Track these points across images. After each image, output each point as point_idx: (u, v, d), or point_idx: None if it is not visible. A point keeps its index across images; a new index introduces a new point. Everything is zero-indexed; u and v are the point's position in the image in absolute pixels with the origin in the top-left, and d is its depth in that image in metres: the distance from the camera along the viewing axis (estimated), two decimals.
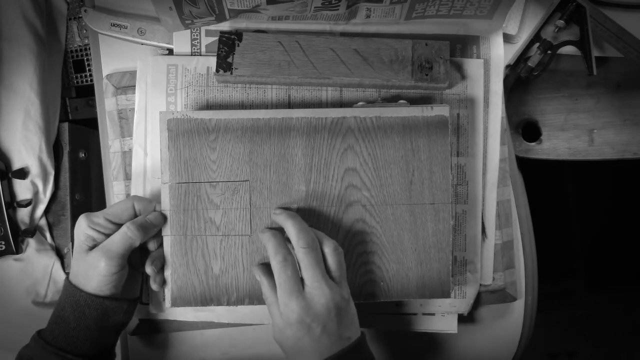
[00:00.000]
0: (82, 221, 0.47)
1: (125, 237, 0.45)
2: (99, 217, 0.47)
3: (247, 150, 0.48)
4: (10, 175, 0.55)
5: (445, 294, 0.50)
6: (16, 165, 0.56)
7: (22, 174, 0.56)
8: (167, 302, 0.49)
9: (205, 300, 0.48)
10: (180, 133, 0.48)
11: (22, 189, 0.57)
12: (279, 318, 0.44)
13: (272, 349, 0.56)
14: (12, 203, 0.56)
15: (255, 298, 0.49)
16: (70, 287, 0.46)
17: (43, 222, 0.59)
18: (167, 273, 0.48)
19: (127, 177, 0.56)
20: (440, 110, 0.49)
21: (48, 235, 0.59)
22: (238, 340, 0.57)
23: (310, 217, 0.48)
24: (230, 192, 0.48)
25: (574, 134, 0.64)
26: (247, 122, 0.48)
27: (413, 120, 0.49)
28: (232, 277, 0.48)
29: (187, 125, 0.48)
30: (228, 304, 0.48)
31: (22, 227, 0.57)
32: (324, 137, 0.49)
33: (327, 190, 0.49)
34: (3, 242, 0.55)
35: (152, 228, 0.47)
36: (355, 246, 0.49)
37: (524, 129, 0.64)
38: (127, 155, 0.56)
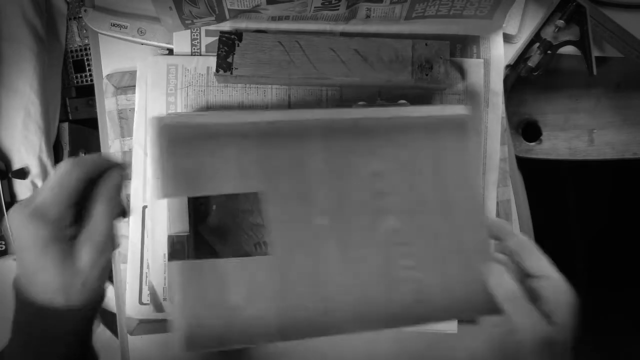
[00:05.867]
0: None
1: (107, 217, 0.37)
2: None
3: (257, 157, 0.40)
4: (10, 175, 0.55)
5: (496, 310, 0.40)
6: (16, 165, 0.56)
7: (22, 174, 0.56)
8: (180, 348, 0.37)
9: (226, 340, 0.37)
10: (178, 140, 0.39)
11: (22, 189, 0.57)
12: None
13: (273, 348, 0.56)
14: (12, 203, 0.56)
15: (289, 333, 0.38)
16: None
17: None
18: (176, 312, 0.37)
19: (127, 177, 0.56)
20: (459, 109, 0.45)
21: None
22: None
23: (340, 230, 0.41)
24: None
25: (574, 134, 0.64)
26: (252, 125, 0.41)
27: (434, 120, 0.44)
28: (259, 310, 0.38)
29: (185, 131, 0.39)
30: (256, 344, 0.38)
31: None
32: (344, 139, 0.42)
33: (353, 198, 0.41)
34: (3, 242, 0.55)
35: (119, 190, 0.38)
36: (393, 260, 0.41)
37: (524, 129, 0.64)
38: (127, 155, 0.56)
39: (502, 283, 0.40)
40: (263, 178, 0.40)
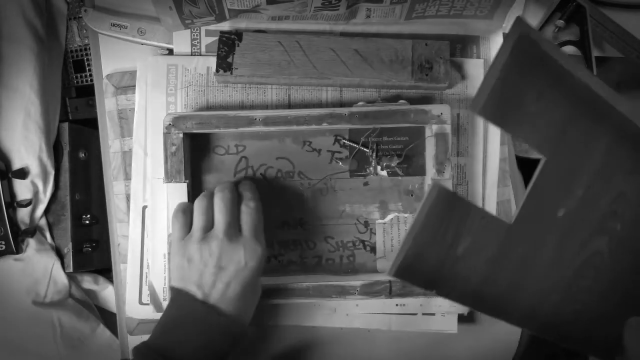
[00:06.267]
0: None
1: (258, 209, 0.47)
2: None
3: (564, 119, 0.37)
4: (10, 175, 0.55)
5: (610, 357, 0.42)
6: (16, 165, 0.56)
7: (22, 174, 0.56)
8: (391, 270, 0.35)
9: (431, 282, 0.36)
10: (521, 60, 0.34)
11: (22, 189, 0.57)
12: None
13: (271, 348, 0.56)
14: (12, 203, 0.56)
15: (477, 302, 0.38)
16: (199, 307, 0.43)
17: (43, 222, 0.59)
18: (412, 233, 0.35)
19: (127, 177, 0.56)
20: None
21: (48, 235, 0.59)
22: None
23: (567, 230, 0.39)
24: None
25: None
26: (580, 85, 0.36)
27: None
28: (470, 267, 0.37)
29: (533, 52, 0.34)
30: (446, 297, 0.38)
31: (22, 227, 0.57)
32: (626, 147, 0.39)
33: (595, 206, 0.40)
34: (3, 242, 0.55)
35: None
36: (580, 279, 0.40)
37: None
38: (127, 155, 0.56)
39: (638, 340, 0.41)
40: (559, 142, 0.37)
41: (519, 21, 0.33)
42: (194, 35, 0.55)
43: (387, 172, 0.54)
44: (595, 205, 0.39)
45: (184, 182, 0.50)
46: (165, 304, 0.53)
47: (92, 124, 0.62)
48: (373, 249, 0.54)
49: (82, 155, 0.62)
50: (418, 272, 0.36)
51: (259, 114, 0.50)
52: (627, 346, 0.41)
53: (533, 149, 0.37)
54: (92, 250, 0.61)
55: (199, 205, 0.47)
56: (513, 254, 0.38)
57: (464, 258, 0.36)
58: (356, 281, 0.51)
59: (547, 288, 0.40)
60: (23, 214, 0.57)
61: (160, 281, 0.53)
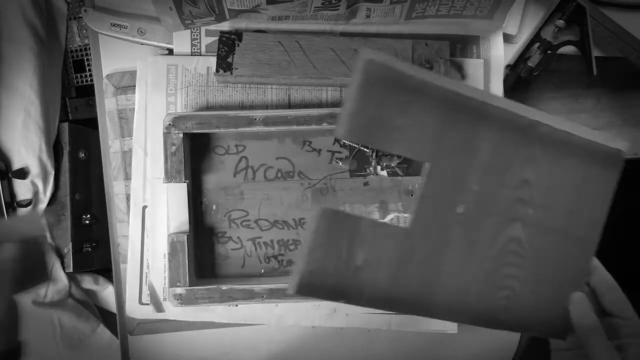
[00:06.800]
0: None
1: None
2: None
3: (437, 126, 0.39)
4: (10, 175, 0.55)
5: (563, 336, 0.44)
6: (16, 165, 0.56)
7: (22, 174, 0.56)
8: (291, 288, 0.38)
9: (336, 293, 0.38)
10: (376, 82, 0.37)
11: (22, 189, 0.57)
12: None
13: (272, 348, 0.56)
14: (12, 203, 0.56)
15: (390, 304, 0.40)
16: None
17: (43, 222, 0.59)
18: (304, 253, 0.38)
19: (127, 177, 0.56)
20: (621, 145, 0.44)
21: (48, 235, 0.59)
22: (238, 340, 0.57)
23: (472, 224, 0.41)
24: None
25: None
26: (447, 93, 0.39)
27: (594, 146, 0.43)
28: (373, 273, 0.39)
29: (386, 74, 0.37)
30: (357, 304, 0.39)
31: None
32: (514, 137, 0.41)
33: (497, 197, 0.41)
34: None
35: None
36: (502, 267, 0.42)
37: None
38: (127, 155, 0.56)
39: (585, 315, 0.42)
40: (435, 151, 0.39)
41: (364, 50, 0.37)
42: (194, 35, 0.55)
43: (387, 172, 0.54)
44: (497, 196, 0.41)
45: (184, 182, 0.50)
46: (165, 304, 0.53)
47: (92, 124, 0.62)
48: None
49: (82, 155, 0.62)
50: (320, 287, 0.38)
51: (259, 114, 0.50)
52: (575, 322, 0.43)
53: (411, 158, 0.39)
54: (92, 250, 0.61)
55: None
56: (417, 255, 0.40)
57: (365, 267, 0.39)
58: None
59: (466, 281, 0.41)
60: (23, 214, 0.57)
61: (160, 281, 0.53)
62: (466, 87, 0.40)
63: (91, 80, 0.61)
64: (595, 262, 0.45)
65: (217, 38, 0.52)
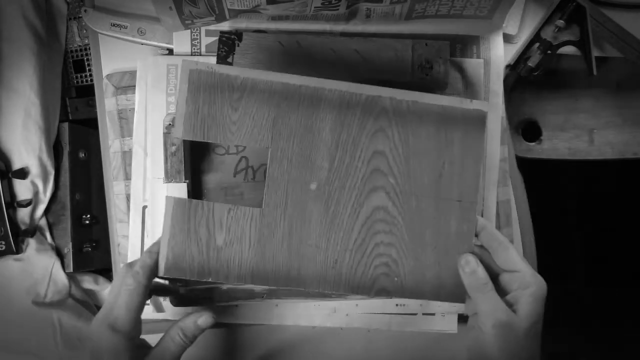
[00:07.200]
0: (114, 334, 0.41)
1: (181, 348, 0.42)
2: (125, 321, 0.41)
3: (272, 115, 0.44)
4: (10, 175, 0.55)
5: (460, 299, 0.46)
6: (16, 165, 0.56)
7: (22, 174, 0.56)
8: (160, 270, 0.44)
9: (202, 272, 0.43)
10: (202, 87, 0.43)
11: (22, 189, 0.57)
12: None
13: (272, 348, 0.56)
14: (12, 203, 0.56)
15: (258, 279, 0.44)
16: None
17: (43, 222, 0.59)
18: (164, 239, 0.44)
19: (127, 177, 0.56)
20: (479, 105, 0.46)
21: (48, 235, 0.59)
22: (238, 340, 0.57)
23: (329, 198, 0.45)
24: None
25: (574, 134, 0.64)
26: (276, 85, 0.44)
27: (450, 111, 0.45)
28: (236, 252, 0.44)
29: (211, 79, 0.43)
30: (227, 281, 0.44)
31: (22, 227, 0.57)
32: (356, 114, 0.45)
33: (351, 171, 0.45)
34: (3, 242, 0.55)
35: (201, 333, 0.44)
36: (373, 235, 0.45)
37: (524, 129, 0.64)
38: (127, 155, 0.56)
39: (474, 273, 0.43)
40: (274, 136, 0.44)
41: (185, 62, 0.43)
42: (194, 35, 0.55)
43: None
44: (351, 170, 0.45)
45: (184, 182, 0.50)
46: (165, 304, 0.53)
47: (92, 124, 0.62)
48: None
49: (82, 155, 0.62)
50: (185, 268, 0.43)
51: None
52: (465, 283, 0.44)
53: (252, 146, 0.45)
54: (92, 250, 0.61)
55: None
56: (278, 231, 0.44)
57: (226, 247, 0.43)
58: None
59: (336, 251, 0.45)
60: (23, 214, 0.57)
61: (160, 281, 0.53)
62: (295, 77, 0.44)
63: (91, 80, 0.61)
64: (482, 222, 0.46)
65: (217, 38, 0.52)
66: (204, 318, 0.43)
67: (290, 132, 0.44)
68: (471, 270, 0.44)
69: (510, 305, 0.42)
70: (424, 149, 0.45)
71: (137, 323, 0.41)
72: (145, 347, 0.42)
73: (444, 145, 0.46)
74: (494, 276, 0.44)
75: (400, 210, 0.45)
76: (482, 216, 0.55)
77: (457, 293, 0.46)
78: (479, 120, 0.46)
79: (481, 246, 0.46)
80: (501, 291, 0.43)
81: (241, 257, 0.44)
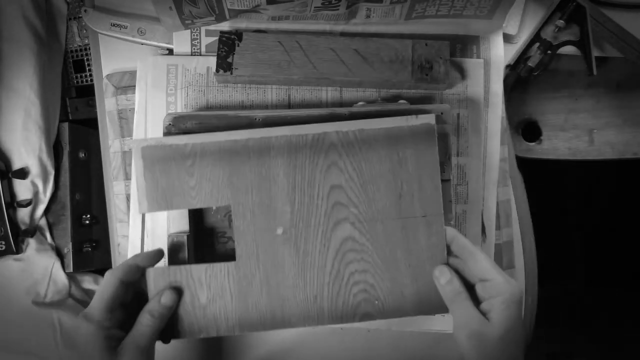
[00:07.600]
0: (92, 324, 0.41)
1: (151, 329, 0.42)
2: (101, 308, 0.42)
3: (227, 173, 0.46)
4: (10, 175, 0.55)
5: (444, 309, 0.45)
6: (16, 165, 0.56)
7: (22, 174, 0.56)
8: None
9: (193, 331, 0.45)
10: (156, 160, 0.45)
11: (22, 189, 0.57)
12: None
13: (272, 348, 0.56)
14: (12, 203, 0.56)
15: (246, 327, 0.46)
16: None
17: (43, 222, 0.59)
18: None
19: (127, 177, 0.56)
20: (425, 119, 0.46)
21: (48, 235, 0.59)
22: (238, 340, 0.57)
23: (298, 238, 0.46)
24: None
25: (574, 134, 0.64)
26: (224, 144, 0.46)
27: (398, 131, 0.46)
28: (221, 307, 0.45)
29: (162, 152, 0.45)
30: (218, 335, 0.46)
31: (22, 227, 0.57)
32: (306, 154, 0.46)
33: (312, 209, 0.46)
34: (3, 242, 0.55)
35: (169, 311, 0.44)
36: (346, 265, 0.46)
37: (524, 129, 0.64)
38: (127, 155, 0.56)
39: (450, 283, 0.44)
40: (232, 193, 0.46)
41: (135, 141, 0.45)
42: (194, 35, 0.55)
43: None
44: (312, 208, 0.46)
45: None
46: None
47: (92, 124, 0.62)
48: None
49: (82, 155, 0.62)
50: (176, 329, 0.45)
51: (259, 114, 0.50)
52: (441, 294, 0.44)
53: (212, 207, 0.48)
54: (92, 250, 0.61)
55: None
56: (255, 280, 0.46)
57: (210, 303, 0.45)
58: None
59: (315, 287, 0.46)
60: (23, 214, 0.57)
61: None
62: (239, 132, 0.46)
63: (91, 80, 0.61)
64: (452, 232, 0.45)
65: (217, 38, 0.52)
66: (165, 296, 0.44)
67: (247, 185, 0.46)
68: (446, 280, 0.44)
69: (484, 313, 0.42)
70: (379, 174, 0.46)
71: (109, 313, 0.42)
72: (121, 338, 0.43)
73: (397, 166, 0.46)
74: (470, 286, 0.44)
75: (367, 237, 0.46)
76: (482, 218, 0.55)
77: (439, 305, 0.46)
78: (427, 134, 0.46)
79: (457, 256, 0.46)
80: (477, 300, 0.43)
81: (226, 310, 0.45)
